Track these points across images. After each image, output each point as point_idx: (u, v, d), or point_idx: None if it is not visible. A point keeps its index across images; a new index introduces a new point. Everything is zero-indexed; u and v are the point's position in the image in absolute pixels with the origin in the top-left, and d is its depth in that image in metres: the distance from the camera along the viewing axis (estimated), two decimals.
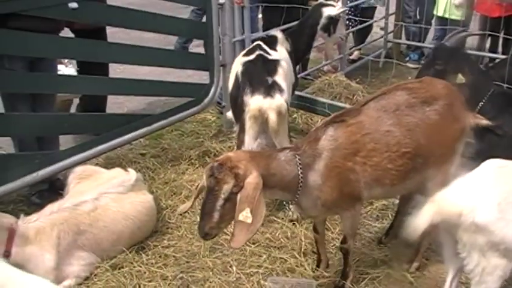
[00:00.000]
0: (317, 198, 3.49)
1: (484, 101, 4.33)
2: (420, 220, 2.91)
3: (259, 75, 4.60)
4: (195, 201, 3.59)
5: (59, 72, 5.63)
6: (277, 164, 3.38)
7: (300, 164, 3.41)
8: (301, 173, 3.40)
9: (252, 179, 3.14)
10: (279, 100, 4.43)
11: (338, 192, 3.48)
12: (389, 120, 3.60)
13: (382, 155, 3.55)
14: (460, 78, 4.35)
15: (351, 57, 9.20)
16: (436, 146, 3.71)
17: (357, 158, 3.50)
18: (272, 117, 4.36)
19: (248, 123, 4.49)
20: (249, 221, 3.09)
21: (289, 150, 3.49)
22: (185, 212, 4.74)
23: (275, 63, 4.75)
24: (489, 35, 7.93)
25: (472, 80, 4.16)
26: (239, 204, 3.11)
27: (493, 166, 3.12)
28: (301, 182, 3.41)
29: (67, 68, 6.03)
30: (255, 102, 4.44)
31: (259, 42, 5.21)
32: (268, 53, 4.94)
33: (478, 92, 4.19)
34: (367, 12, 8.97)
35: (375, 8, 9.30)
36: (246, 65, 4.81)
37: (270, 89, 4.48)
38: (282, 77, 4.63)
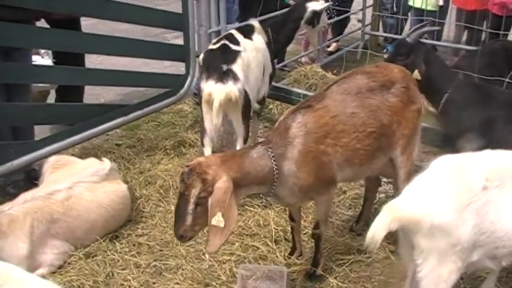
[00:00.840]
0: (294, 185, 3.56)
1: (448, 92, 4.42)
2: (377, 228, 2.86)
3: (215, 62, 4.73)
4: None
5: (35, 63, 5.63)
6: (250, 162, 3.44)
7: (273, 156, 3.47)
8: (275, 164, 3.47)
9: (222, 183, 3.18)
10: (230, 87, 4.57)
11: (314, 176, 3.56)
12: (353, 103, 3.73)
13: (350, 135, 3.66)
14: (416, 74, 4.43)
15: (329, 49, 9.27)
16: (397, 126, 3.87)
17: (328, 140, 3.59)
18: (215, 104, 4.50)
19: (204, 109, 4.68)
20: (222, 225, 3.15)
21: (260, 145, 3.55)
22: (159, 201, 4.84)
23: (235, 53, 4.84)
24: (465, 27, 8.02)
25: (435, 72, 4.23)
26: (210, 208, 3.16)
27: (445, 164, 3.10)
28: (276, 173, 3.48)
29: (43, 59, 6.03)
30: (206, 87, 4.61)
31: (232, 31, 5.29)
32: (236, 42, 5.00)
33: (442, 83, 4.26)
34: (345, 3, 9.04)
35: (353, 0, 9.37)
36: (206, 53, 4.99)
37: (224, 75, 4.61)
38: (241, 67, 4.73)
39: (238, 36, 5.13)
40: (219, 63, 4.70)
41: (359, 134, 3.68)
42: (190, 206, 3.20)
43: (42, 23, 5.72)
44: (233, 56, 4.79)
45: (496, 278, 3.74)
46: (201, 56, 5.03)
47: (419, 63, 4.58)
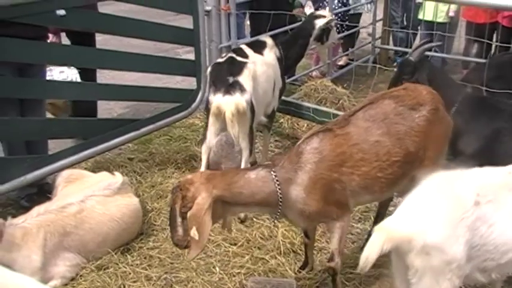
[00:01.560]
0: (302, 211, 3.51)
1: (456, 106, 4.46)
2: (371, 250, 2.83)
3: (222, 75, 4.80)
4: None
5: (63, 74, 5.74)
6: (244, 182, 3.43)
7: (277, 180, 3.44)
8: (279, 188, 3.43)
9: (199, 200, 3.25)
10: (238, 98, 4.62)
11: (324, 203, 3.49)
12: (378, 130, 3.63)
13: (371, 164, 3.57)
14: None
15: (339, 63, 9.33)
16: (424, 151, 3.78)
17: (343, 168, 3.51)
18: (228, 114, 4.56)
19: (210, 120, 4.75)
20: (197, 238, 3.24)
21: (262, 168, 3.53)
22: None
23: (241, 64, 4.88)
24: (475, 40, 8.05)
25: (441, 87, 4.25)
26: (188, 222, 3.27)
27: (436, 182, 3.10)
28: (281, 197, 3.44)
29: (70, 69, 6.12)
30: (215, 100, 4.67)
31: (242, 45, 5.38)
32: (244, 55, 5.07)
33: (449, 98, 4.28)
34: (354, 18, 9.11)
35: (361, 14, 9.49)
36: (213, 66, 5.08)
37: (230, 87, 4.66)
38: (247, 77, 4.77)
39: (248, 50, 5.21)
40: (226, 76, 4.76)
41: (382, 163, 3.59)
42: (178, 219, 3.32)
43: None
44: (239, 67, 4.84)
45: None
46: (209, 69, 5.10)
47: (424, 80, 4.61)
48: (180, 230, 3.33)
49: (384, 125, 3.66)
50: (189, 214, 3.25)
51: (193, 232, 3.24)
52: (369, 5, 9.48)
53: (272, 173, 3.46)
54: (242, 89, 4.68)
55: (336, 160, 3.50)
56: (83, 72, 6.08)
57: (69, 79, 5.96)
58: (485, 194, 3.04)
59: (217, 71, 4.91)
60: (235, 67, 4.85)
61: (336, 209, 3.58)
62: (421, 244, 2.83)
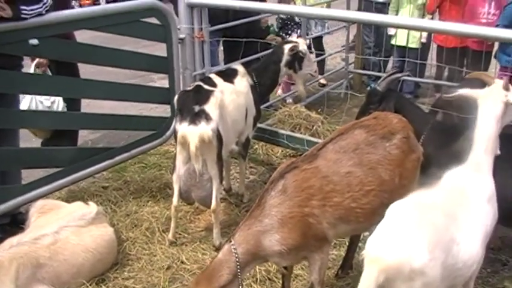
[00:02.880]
0: (281, 252, 3.53)
1: (424, 134, 4.53)
2: (366, 285, 2.89)
3: (188, 103, 4.81)
4: None
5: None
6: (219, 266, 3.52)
7: (234, 249, 3.50)
8: (236, 258, 3.49)
9: None
10: (203, 127, 4.63)
11: (300, 238, 3.51)
12: (349, 161, 3.67)
13: (343, 195, 3.60)
14: None
15: (321, 81, 9.45)
16: (399, 179, 3.81)
17: (313, 202, 3.53)
18: (192, 147, 4.57)
19: (178, 149, 4.78)
20: None
21: (228, 244, 3.56)
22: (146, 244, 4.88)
23: (208, 93, 4.90)
24: (446, 64, 8.18)
25: (408, 116, 4.31)
26: None
27: (405, 208, 3.13)
28: (239, 265, 3.50)
29: None
30: (180, 129, 4.69)
31: (211, 75, 5.41)
32: (213, 85, 5.09)
33: (417, 126, 4.34)
34: (317, 41, 9.41)
35: (322, 37, 9.77)
36: (180, 94, 5.10)
37: (196, 116, 4.68)
38: (213, 106, 4.78)
39: (217, 79, 5.23)
40: (192, 104, 4.77)
41: (355, 193, 3.61)
42: None
43: None
44: (206, 96, 4.85)
45: None
46: (176, 96, 5.10)
47: (390, 109, 4.68)
48: None
49: (355, 155, 3.70)
50: None
51: None
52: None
53: (232, 245, 3.52)
54: (208, 118, 4.68)
55: (303, 195, 3.52)
56: (68, 101, 6.07)
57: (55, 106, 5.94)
58: (449, 215, 3.15)
59: (184, 99, 4.92)
60: (201, 96, 4.86)
61: (314, 242, 3.60)
62: (408, 269, 2.88)
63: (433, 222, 3.04)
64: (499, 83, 3.62)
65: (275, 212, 3.50)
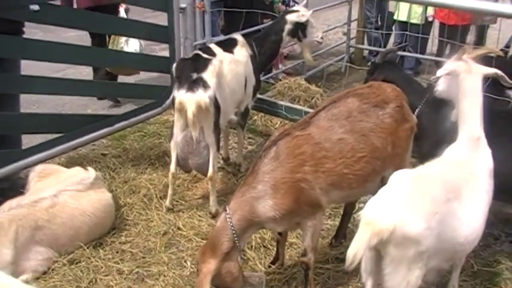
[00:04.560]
0: (274, 218, 3.57)
1: (420, 106, 4.56)
2: (358, 245, 2.93)
3: (186, 71, 4.83)
4: None
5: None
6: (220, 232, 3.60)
7: (230, 222, 3.55)
8: (231, 226, 3.55)
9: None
10: (200, 95, 4.66)
11: (294, 204, 3.56)
12: (341, 128, 3.71)
13: (335, 161, 3.64)
14: None
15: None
16: (391, 147, 3.86)
17: (305, 167, 3.58)
18: (189, 114, 4.60)
19: (175, 116, 4.82)
20: None
21: (224, 213, 3.63)
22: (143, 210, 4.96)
23: (206, 61, 4.92)
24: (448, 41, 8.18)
25: (403, 87, 4.34)
26: None
27: (408, 177, 3.19)
28: (234, 233, 3.55)
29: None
30: (178, 95, 4.72)
31: (211, 45, 5.43)
32: (212, 54, 5.10)
33: (412, 99, 4.37)
34: None
35: None
36: (179, 62, 5.14)
37: (194, 84, 4.71)
38: (211, 74, 4.81)
39: (216, 49, 5.24)
40: (190, 72, 4.80)
41: (347, 159, 3.66)
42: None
43: None
44: (204, 64, 4.87)
45: (458, 274, 3.91)
46: (174, 64, 5.13)
47: (380, 79, 4.73)
48: None
49: (348, 122, 3.74)
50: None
51: None
52: None
53: (227, 213, 3.58)
54: (205, 86, 4.71)
55: (295, 161, 3.57)
56: None
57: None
58: (451, 190, 3.19)
59: (182, 67, 4.95)
60: (199, 64, 4.89)
61: (307, 207, 3.65)
62: (400, 236, 2.93)
63: (433, 194, 3.09)
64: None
65: (268, 178, 3.55)
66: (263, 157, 3.63)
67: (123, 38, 6.63)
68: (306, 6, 6.18)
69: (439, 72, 3.72)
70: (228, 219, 3.55)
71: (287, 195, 3.53)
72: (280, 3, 8.52)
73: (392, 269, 3.05)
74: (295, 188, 3.55)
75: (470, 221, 3.22)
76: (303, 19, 5.77)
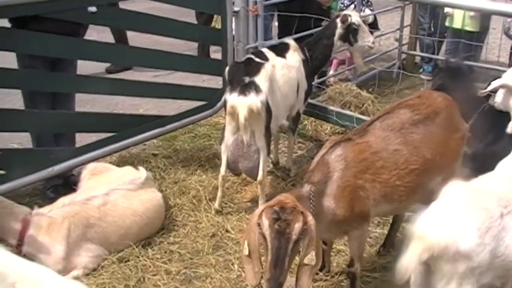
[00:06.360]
0: (330, 221, 3.56)
1: (475, 116, 4.48)
2: (410, 260, 2.90)
3: (239, 74, 4.85)
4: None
5: None
6: (304, 202, 3.38)
7: (312, 196, 3.44)
8: (313, 205, 3.42)
9: (311, 219, 3.12)
10: (252, 99, 4.66)
11: (350, 211, 3.55)
12: (396, 139, 3.71)
13: (390, 172, 3.64)
14: None
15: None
16: (441, 158, 3.82)
17: (367, 175, 3.58)
18: (241, 117, 4.62)
19: (227, 119, 4.84)
20: (313, 263, 3.15)
21: (308, 185, 3.50)
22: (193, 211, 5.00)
23: (259, 65, 4.94)
24: None
25: (466, 95, 4.27)
26: (307, 247, 3.10)
27: (462, 190, 3.13)
28: (313, 211, 3.39)
29: None
30: (230, 99, 4.74)
31: (263, 49, 5.45)
32: (264, 58, 5.11)
33: (471, 107, 4.30)
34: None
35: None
36: (231, 65, 5.18)
37: (246, 87, 4.71)
38: (264, 78, 4.82)
39: (269, 54, 5.26)
40: (242, 76, 4.81)
41: (400, 171, 3.66)
42: (291, 245, 3.03)
43: None
44: (256, 68, 4.89)
45: None
46: (227, 68, 5.17)
47: (436, 85, 4.67)
48: (287, 262, 3.05)
49: (401, 134, 3.74)
50: (308, 237, 3.09)
51: (311, 257, 3.10)
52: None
53: (311, 189, 3.47)
54: (257, 90, 4.71)
55: (359, 166, 3.57)
56: None
57: None
58: (507, 205, 3.09)
59: (235, 70, 4.98)
60: (252, 67, 4.91)
61: (359, 218, 3.63)
62: (453, 250, 2.87)
63: (487, 208, 3.01)
64: None
65: (336, 176, 3.53)
66: (331, 153, 3.60)
67: None
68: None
69: (494, 84, 3.65)
70: (311, 192, 3.46)
71: (346, 201, 3.52)
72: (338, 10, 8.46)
73: (443, 284, 2.98)
74: (355, 194, 3.54)
75: None
76: (355, 22, 5.74)
